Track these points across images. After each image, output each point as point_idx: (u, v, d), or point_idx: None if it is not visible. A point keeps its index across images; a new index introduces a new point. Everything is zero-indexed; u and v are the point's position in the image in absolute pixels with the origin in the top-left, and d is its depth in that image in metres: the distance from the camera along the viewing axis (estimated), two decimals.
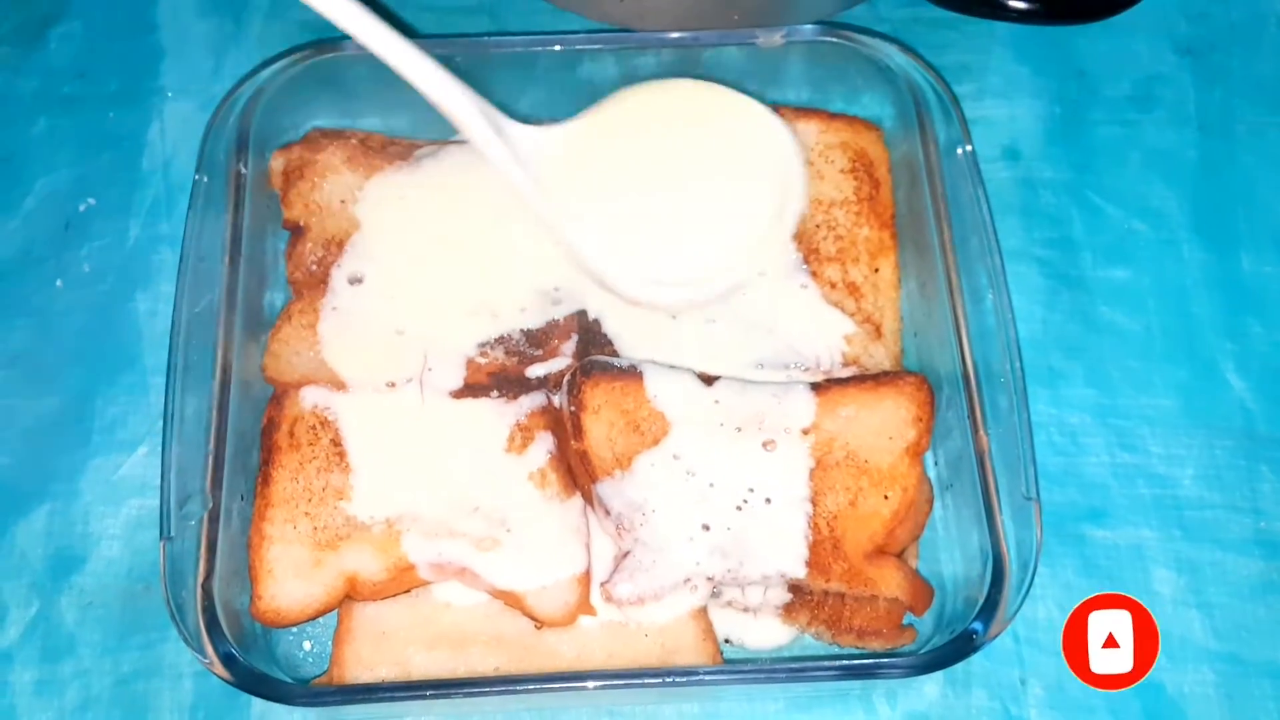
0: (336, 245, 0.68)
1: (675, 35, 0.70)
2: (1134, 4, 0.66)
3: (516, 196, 0.65)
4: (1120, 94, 0.78)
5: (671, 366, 0.64)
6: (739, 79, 0.70)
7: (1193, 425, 0.69)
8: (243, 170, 0.67)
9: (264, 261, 0.68)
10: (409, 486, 0.62)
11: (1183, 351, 0.71)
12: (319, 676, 0.61)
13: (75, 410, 0.69)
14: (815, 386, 0.63)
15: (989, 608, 0.56)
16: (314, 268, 0.67)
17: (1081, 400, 0.70)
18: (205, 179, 0.65)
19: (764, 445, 0.62)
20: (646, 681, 0.56)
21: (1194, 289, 0.73)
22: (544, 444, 0.63)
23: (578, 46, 0.70)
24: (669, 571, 0.60)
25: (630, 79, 0.71)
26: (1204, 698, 0.63)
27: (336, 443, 0.63)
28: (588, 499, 0.62)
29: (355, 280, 0.67)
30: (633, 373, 0.63)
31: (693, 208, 0.66)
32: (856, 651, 0.61)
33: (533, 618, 0.60)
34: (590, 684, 0.56)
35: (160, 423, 0.60)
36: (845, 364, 0.66)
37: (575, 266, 0.66)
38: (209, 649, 0.56)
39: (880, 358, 0.66)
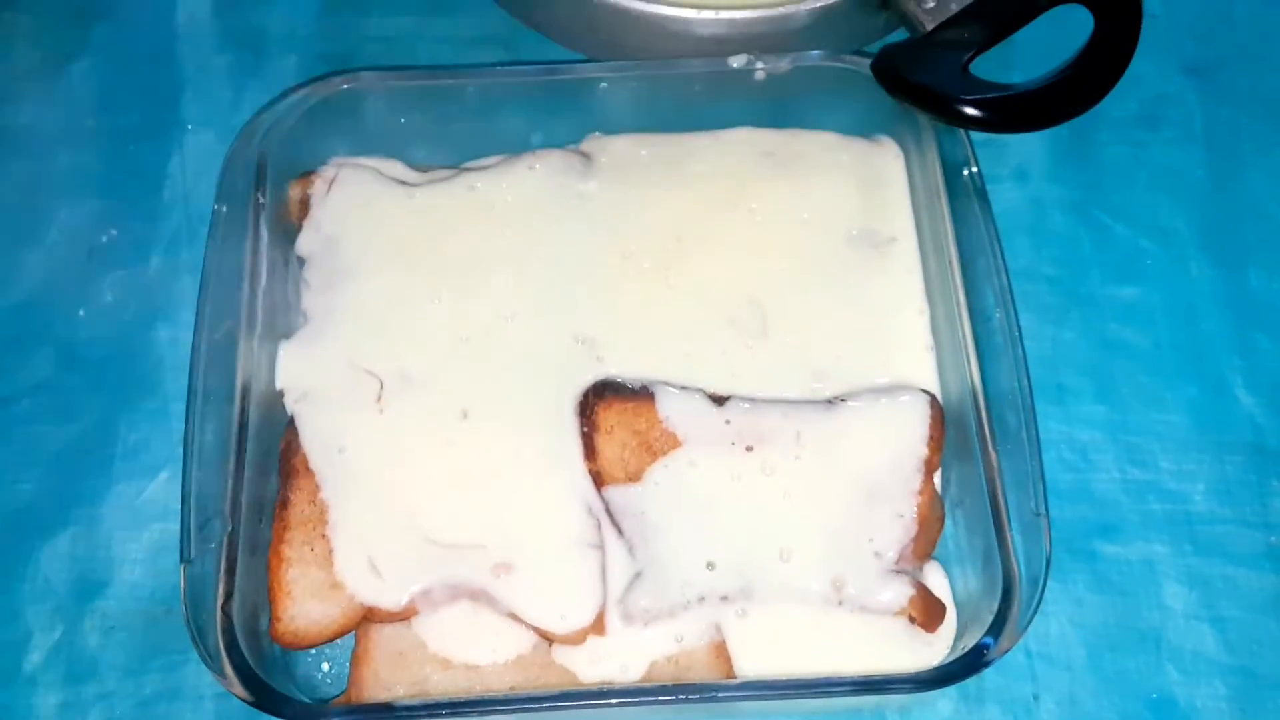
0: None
1: (684, 64, 0.71)
2: (1078, 116, 0.67)
3: None
4: (1127, 114, 0.79)
5: (683, 387, 0.65)
6: (745, 102, 0.72)
7: (1203, 441, 0.69)
8: (261, 200, 0.67)
9: (281, 289, 0.69)
10: (424, 510, 0.63)
11: (1192, 368, 0.71)
12: (337, 697, 0.62)
13: (98, 437, 0.70)
14: (826, 404, 0.64)
15: (999, 623, 0.56)
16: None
17: (1092, 417, 0.70)
18: (224, 209, 0.66)
19: (775, 464, 0.63)
20: (660, 698, 0.56)
21: (1203, 306, 0.73)
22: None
23: (590, 75, 0.71)
24: (682, 589, 0.60)
25: (640, 107, 0.73)
26: (1217, 712, 0.63)
27: None
28: (601, 518, 0.62)
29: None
30: (645, 393, 0.64)
31: None
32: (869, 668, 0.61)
33: (546, 636, 0.60)
34: (605, 701, 0.56)
35: (181, 448, 0.60)
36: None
37: None
38: (229, 670, 0.56)
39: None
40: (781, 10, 0.72)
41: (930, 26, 0.69)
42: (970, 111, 0.65)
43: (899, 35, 0.78)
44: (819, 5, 0.72)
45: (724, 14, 0.71)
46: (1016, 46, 0.72)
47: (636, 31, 0.73)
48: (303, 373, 0.66)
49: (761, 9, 0.72)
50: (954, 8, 0.69)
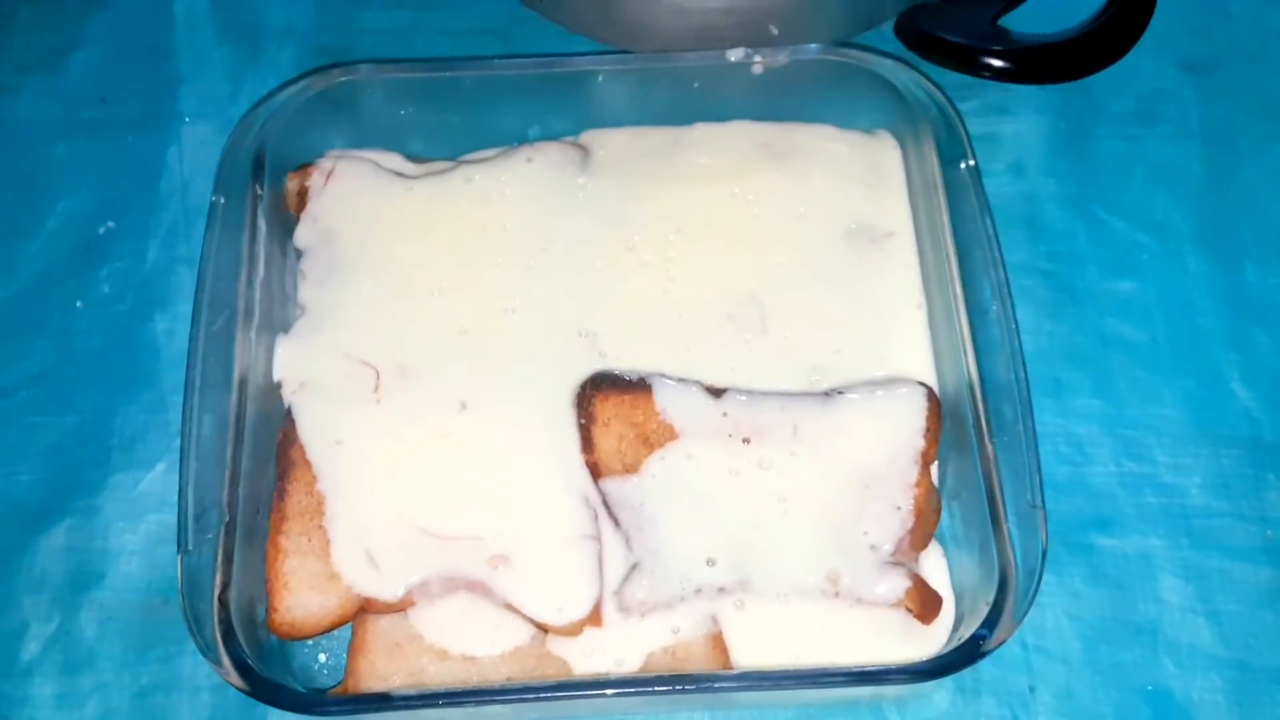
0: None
1: (681, 57, 0.71)
2: (1103, 69, 0.68)
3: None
4: (1124, 109, 0.79)
5: (680, 380, 0.65)
6: (742, 95, 0.72)
7: (1199, 435, 0.69)
8: (259, 192, 0.68)
9: (279, 281, 0.69)
10: (421, 501, 0.63)
11: (1189, 362, 0.71)
12: (334, 688, 0.62)
13: (95, 428, 0.70)
14: (823, 396, 0.64)
15: (995, 614, 0.56)
16: None
17: (1088, 411, 0.70)
18: (222, 200, 0.66)
19: (772, 456, 0.63)
20: (656, 689, 0.56)
21: (1199, 300, 0.73)
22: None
23: (587, 68, 0.71)
24: (679, 581, 0.60)
25: (638, 100, 0.73)
26: (1213, 704, 0.63)
27: None
28: (598, 510, 0.62)
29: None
30: (642, 386, 0.64)
31: None
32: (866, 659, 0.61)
33: (542, 628, 0.60)
34: (601, 692, 0.56)
35: (178, 440, 0.61)
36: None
37: None
38: (225, 660, 0.56)
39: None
40: None
41: None
42: (996, 63, 0.65)
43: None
44: None
45: None
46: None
47: (638, 6, 0.74)
48: (300, 364, 0.66)
49: None
50: None
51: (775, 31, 0.70)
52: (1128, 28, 0.68)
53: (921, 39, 0.68)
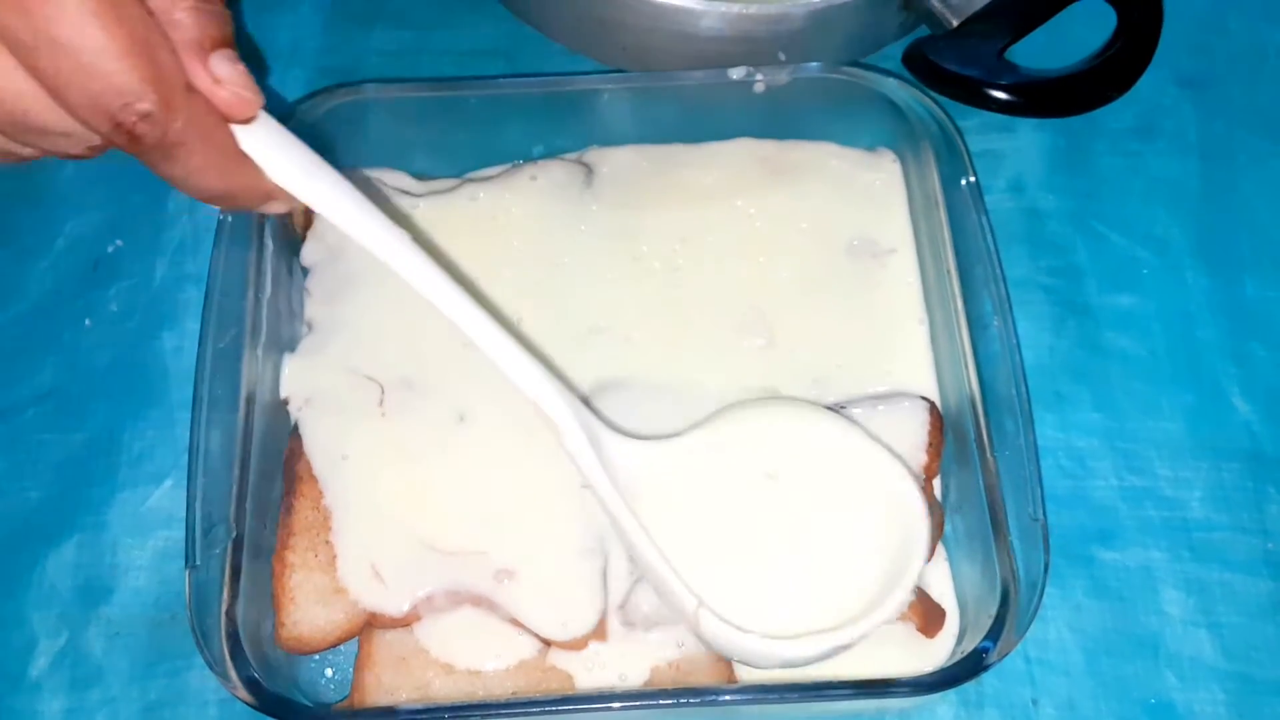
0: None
1: (684, 75, 0.72)
2: (1109, 102, 0.69)
3: (608, 515, 0.60)
4: (1123, 125, 0.80)
5: None
6: (745, 113, 0.72)
7: (1199, 448, 0.70)
8: None
9: (285, 298, 0.70)
10: (426, 516, 0.63)
11: (1188, 376, 0.72)
12: (340, 702, 0.62)
13: (103, 444, 0.70)
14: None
15: (998, 627, 0.56)
16: None
17: (1089, 424, 0.70)
18: (229, 219, 0.66)
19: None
20: (661, 703, 0.56)
21: (1198, 314, 0.74)
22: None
23: (591, 87, 0.72)
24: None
25: (641, 119, 0.74)
26: (1214, 717, 0.63)
27: None
28: (604, 526, 0.63)
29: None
30: None
31: (807, 553, 0.61)
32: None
33: (546, 641, 0.61)
34: (606, 705, 0.56)
35: (185, 456, 0.61)
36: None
37: (668, 605, 0.60)
38: (233, 675, 0.56)
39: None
40: (800, 7, 0.73)
41: (955, 23, 0.70)
42: (1003, 96, 0.67)
43: (905, 42, 0.79)
44: (836, 3, 0.73)
45: (744, 9, 0.72)
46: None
47: (654, 30, 0.74)
48: (306, 380, 0.66)
49: (782, 5, 0.72)
50: (978, 3, 0.71)
51: (783, 57, 0.71)
52: (1133, 61, 0.69)
53: (929, 70, 0.69)
